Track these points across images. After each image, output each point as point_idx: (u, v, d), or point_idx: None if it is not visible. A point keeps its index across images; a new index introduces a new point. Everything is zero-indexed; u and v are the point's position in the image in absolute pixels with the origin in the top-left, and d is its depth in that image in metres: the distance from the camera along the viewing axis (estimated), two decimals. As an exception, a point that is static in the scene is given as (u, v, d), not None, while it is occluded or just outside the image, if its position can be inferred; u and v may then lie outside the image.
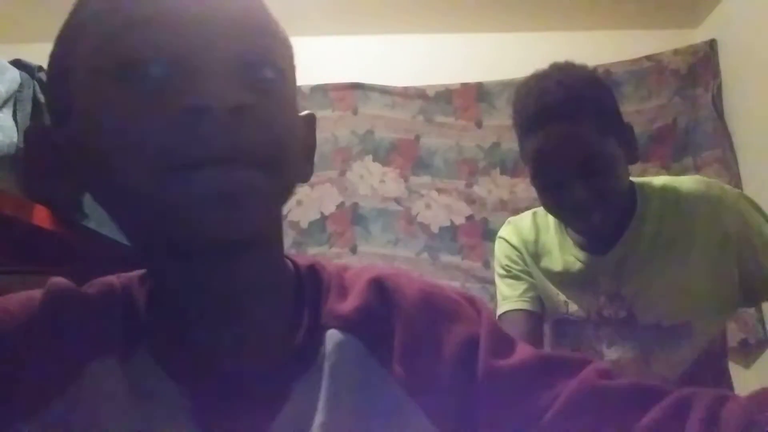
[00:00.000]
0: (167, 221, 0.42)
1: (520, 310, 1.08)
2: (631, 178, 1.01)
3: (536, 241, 1.10)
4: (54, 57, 0.47)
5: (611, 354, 0.97)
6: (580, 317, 1.00)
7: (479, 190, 2.45)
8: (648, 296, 0.96)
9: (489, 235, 2.39)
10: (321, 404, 0.47)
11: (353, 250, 2.39)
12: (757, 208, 0.99)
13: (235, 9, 0.44)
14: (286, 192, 0.48)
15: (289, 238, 2.41)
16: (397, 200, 2.45)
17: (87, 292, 0.50)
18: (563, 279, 1.04)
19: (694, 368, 0.95)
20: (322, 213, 2.44)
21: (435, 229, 2.42)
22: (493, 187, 2.45)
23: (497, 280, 1.17)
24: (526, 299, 1.09)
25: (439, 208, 2.43)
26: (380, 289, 0.52)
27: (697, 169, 2.34)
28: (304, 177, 0.52)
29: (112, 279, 0.52)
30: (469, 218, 2.42)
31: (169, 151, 0.41)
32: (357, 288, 0.53)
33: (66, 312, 0.48)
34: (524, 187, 2.43)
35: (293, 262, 0.55)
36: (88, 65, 0.43)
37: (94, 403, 0.45)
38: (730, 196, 0.98)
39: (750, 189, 2.24)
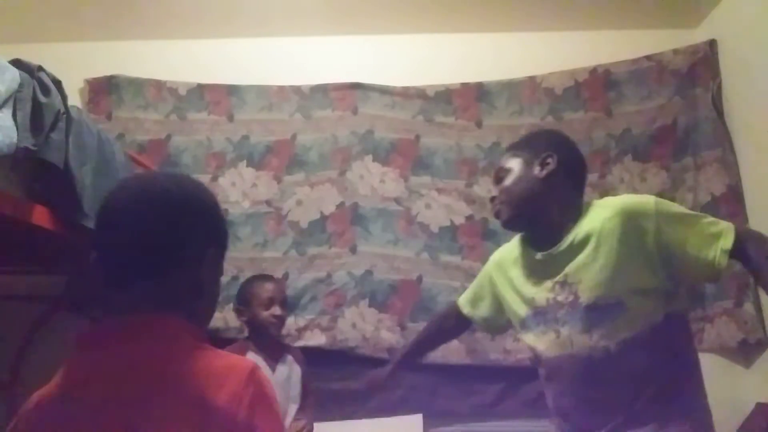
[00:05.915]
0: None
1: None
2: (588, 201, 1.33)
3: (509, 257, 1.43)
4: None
5: (565, 331, 1.22)
6: (543, 306, 1.27)
7: (479, 190, 2.44)
8: (586, 282, 1.21)
9: (489, 235, 2.39)
10: None
11: (353, 250, 2.39)
12: (670, 206, 1.24)
13: None
14: None
15: (288, 238, 2.41)
16: (397, 200, 2.45)
17: None
18: (529, 276, 1.33)
19: (636, 341, 1.16)
20: (322, 213, 2.44)
21: (435, 229, 2.41)
22: (493, 187, 2.44)
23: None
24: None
25: (439, 208, 2.43)
26: None
27: (697, 169, 2.33)
28: None
29: None
30: (469, 218, 2.42)
31: None
32: None
33: None
34: (524, 187, 2.43)
35: None
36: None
37: None
38: (645, 203, 1.22)
39: (750, 189, 2.24)
